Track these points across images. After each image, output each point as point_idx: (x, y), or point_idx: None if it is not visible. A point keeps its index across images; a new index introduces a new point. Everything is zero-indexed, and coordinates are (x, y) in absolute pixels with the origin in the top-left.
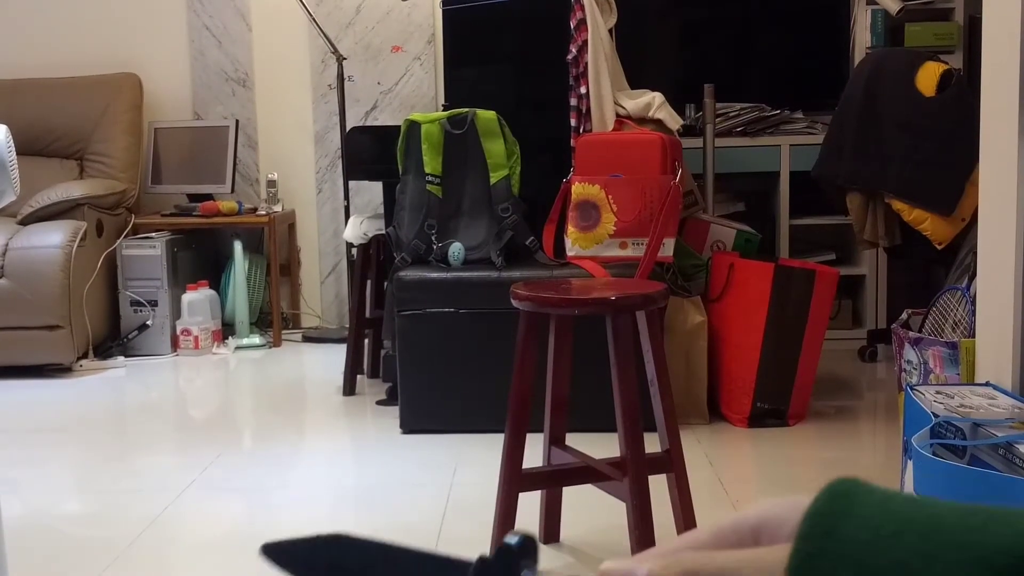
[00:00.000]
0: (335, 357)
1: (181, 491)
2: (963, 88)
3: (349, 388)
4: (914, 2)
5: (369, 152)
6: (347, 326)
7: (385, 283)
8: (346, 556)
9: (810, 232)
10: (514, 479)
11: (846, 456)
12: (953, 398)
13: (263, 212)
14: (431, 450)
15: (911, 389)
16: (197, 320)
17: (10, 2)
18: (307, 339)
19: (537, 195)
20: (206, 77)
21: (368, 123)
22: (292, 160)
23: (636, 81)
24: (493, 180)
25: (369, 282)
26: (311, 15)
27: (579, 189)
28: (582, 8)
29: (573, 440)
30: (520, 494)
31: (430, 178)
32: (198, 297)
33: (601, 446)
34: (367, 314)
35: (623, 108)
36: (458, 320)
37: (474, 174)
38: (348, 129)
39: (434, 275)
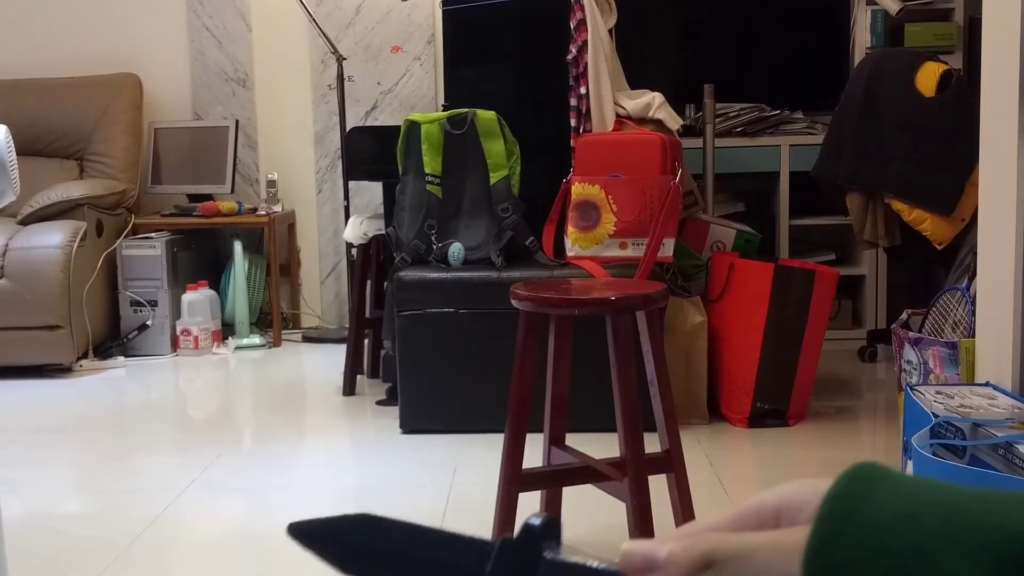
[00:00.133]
0: (335, 357)
1: (181, 491)
2: (963, 88)
3: (349, 388)
4: (914, 2)
5: (369, 152)
6: (347, 326)
7: (385, 283)
8: (372, 536)
9: (810, 232)
10: (514, 479)
11: (846, 456)
12: (953, 398)
13: (263, 212)
14: (431, 450)
15: (911, 389)
16: (197, 320)
17: (10, 2)
18: (307, 339)
19: (537, 195)
20: (206, 77)
21: (368, 123)
22: (292, 160)
23: (636, 81)
24: (493, 180)
25: (369, 282)
26: (311, 15)
27: (579, 189)
28: (582, 8)
29: (573, 440)
30: (520, 494)
31: (430, 178)
32: (198, 297)
33: (601, 446)
34: (367, 314)
35: (623, 108)
36: (458, 320)
37: (474, 174)
38: (348, 129)
39: (434, 275)
